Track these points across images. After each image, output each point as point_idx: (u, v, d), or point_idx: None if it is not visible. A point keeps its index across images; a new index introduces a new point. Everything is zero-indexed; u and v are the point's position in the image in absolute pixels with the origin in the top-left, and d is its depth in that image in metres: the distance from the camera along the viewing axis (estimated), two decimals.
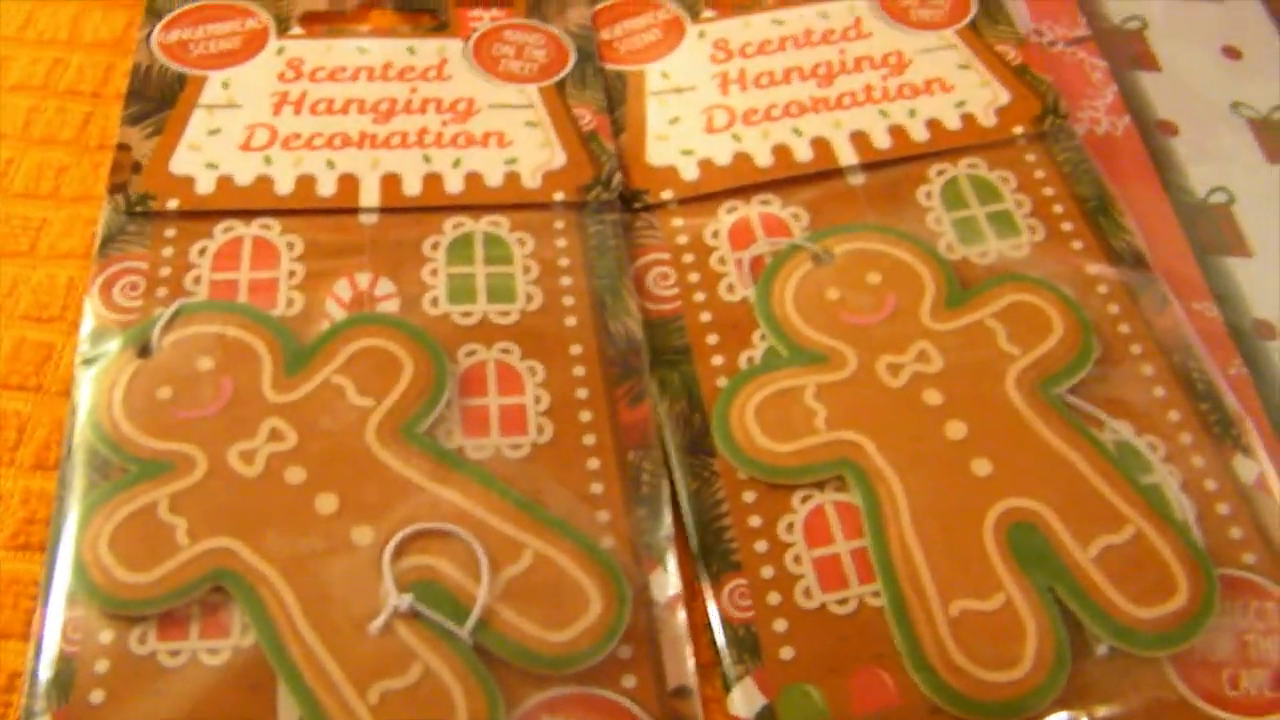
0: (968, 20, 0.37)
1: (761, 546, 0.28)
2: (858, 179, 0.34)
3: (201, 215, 0.32)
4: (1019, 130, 0.34)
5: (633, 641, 0.26)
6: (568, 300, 0.31)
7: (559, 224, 0.32)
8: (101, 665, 0.25)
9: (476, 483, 0.28)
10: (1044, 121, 0.35)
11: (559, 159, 0.33)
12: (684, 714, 0.26)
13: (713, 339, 0.31)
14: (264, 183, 0.32)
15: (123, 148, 0.33)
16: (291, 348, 0.29)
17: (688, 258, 0.32)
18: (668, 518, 0.28)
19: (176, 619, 0.26)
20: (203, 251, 0.31)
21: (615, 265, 0.32)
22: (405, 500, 0.27)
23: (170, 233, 0.31)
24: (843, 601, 0.27)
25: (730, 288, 0.32)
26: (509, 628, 0.26)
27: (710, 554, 0.28)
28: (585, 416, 0.29)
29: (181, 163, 0.33)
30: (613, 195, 0.33)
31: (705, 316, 0.32)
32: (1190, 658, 0.27)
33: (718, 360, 0.31)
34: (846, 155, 0.34)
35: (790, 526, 0.28)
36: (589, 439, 0.29)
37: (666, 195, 0.34)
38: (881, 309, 0.31)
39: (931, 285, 0.31)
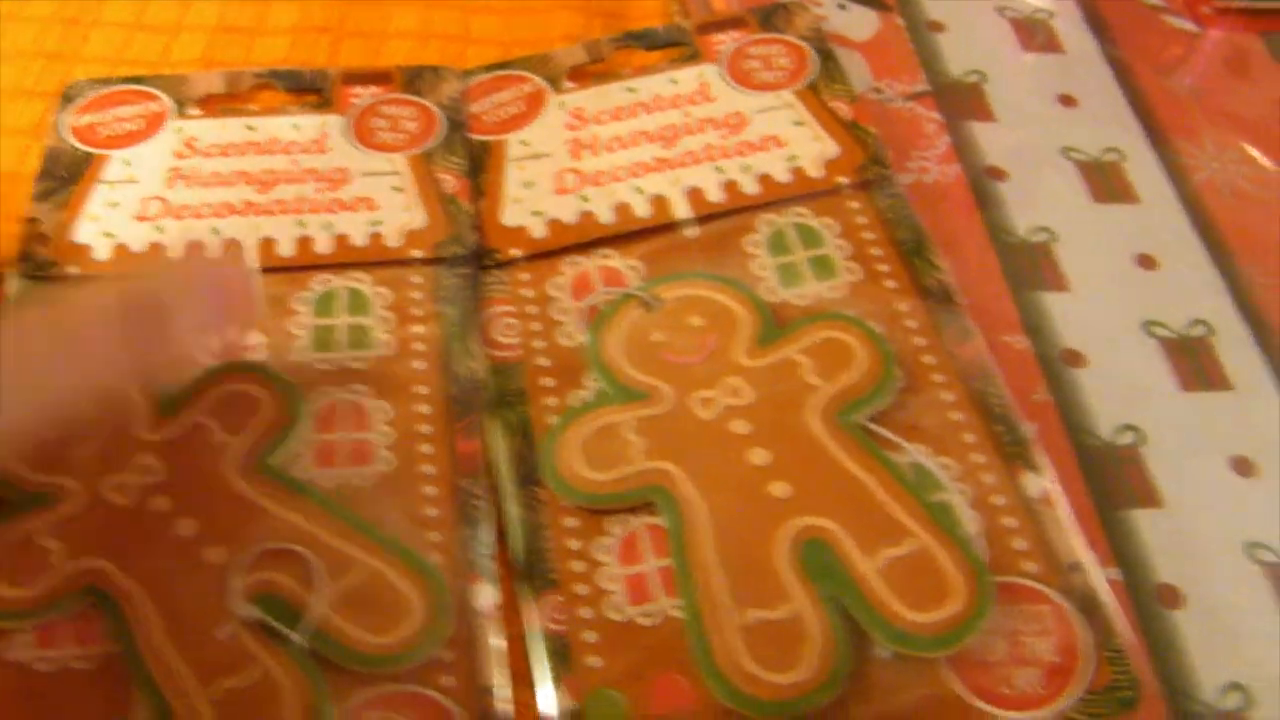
0: (806, 81, 0.40)
1: (578, 566, 0.31)
2: (693, 231, 0.37)
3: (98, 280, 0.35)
4: (843, 180, 0.37)
5: (452, 646, 0.29)
6: (418, 346, 0.34)
7: (415, 278, 0.36)
8: None
9: (319, 508, 0.31)
10: (867, 170, 0.37)
11: (419, 219, 0.37)
12: (494, 711, 0.29)
13: (548, 381, 0.34)
14: (155, 249, 0.36)
15: (32, 222, 0.37)
16: (167, 395, 0.33)
17: (531, 309, 0.35)
18: (491, 538, 0.31)
19: (52, 629, 0.29)
20: None
21: (463, 314, 0.35)
22: (254, 524, 0.31)
23: None
24: (648, 615, 0.30)
25: (568, 335, 0.35)
26: (340, 633, 0.29)
27: (532, 573, 0.31)
28: (426, 449, 0.32)
29: (82, 233, 0.36)
30: (465, 251, 0.36)
31: (543, 361, 0.34)
32: (967, 658, 0.29)
33: (552, 401, 0.34)
34: (682, 210, 0.37)
35: (606, 548, 0.31)
36: (428, 469, 0.32)
37: (515, 253, 0.37)
38: (701, 349, 0.34)
39: (748, 325, 0.34)
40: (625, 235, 0.37)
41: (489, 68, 0.42)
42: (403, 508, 0.31)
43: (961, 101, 0.41)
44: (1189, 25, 0.45)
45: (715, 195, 0.37)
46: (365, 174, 0.38)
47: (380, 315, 0.35)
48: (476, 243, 0.36)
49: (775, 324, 0.34)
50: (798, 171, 0.37)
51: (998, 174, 0.39)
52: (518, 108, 0.40)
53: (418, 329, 0.34)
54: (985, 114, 0.41)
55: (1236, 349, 0.36)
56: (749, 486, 0.31)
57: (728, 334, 0.34)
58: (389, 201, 0.37)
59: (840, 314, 0.34)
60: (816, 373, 0.33)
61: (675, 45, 0.42)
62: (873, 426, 0.32)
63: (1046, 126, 0.41)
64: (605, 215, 0.37)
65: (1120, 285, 0.37)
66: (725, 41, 0.41)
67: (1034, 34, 0.44)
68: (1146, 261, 0.38)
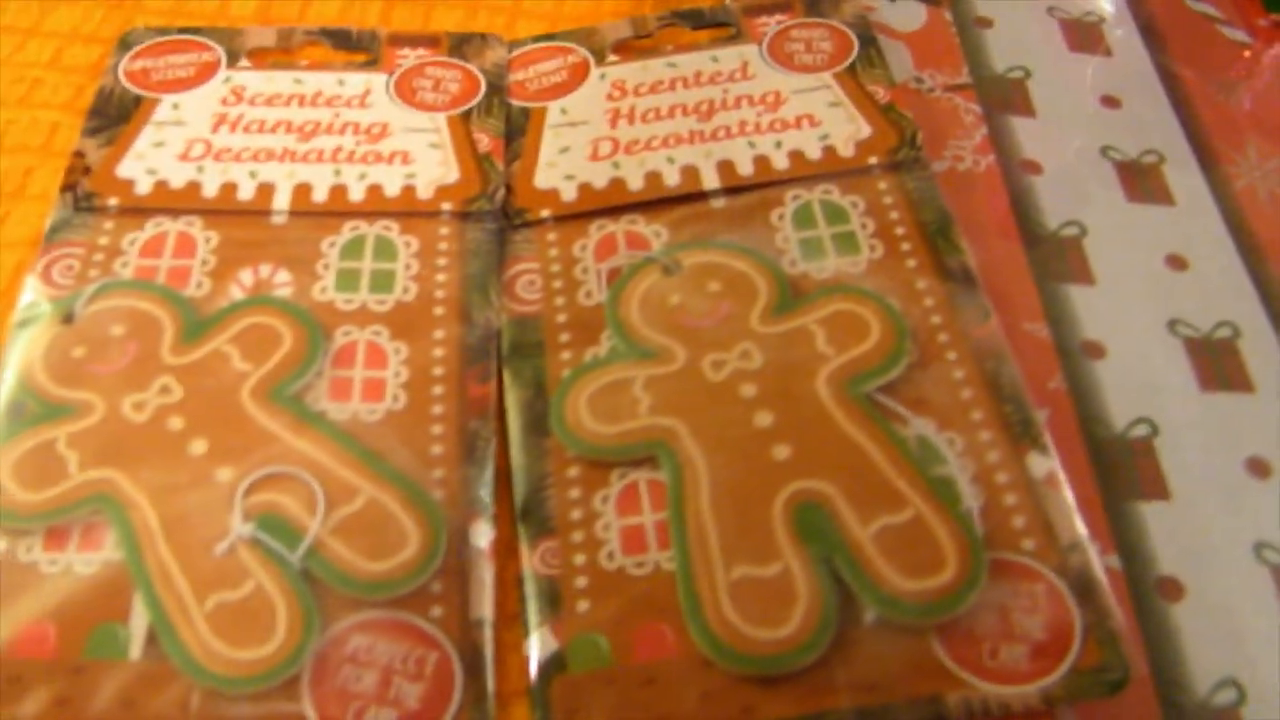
0: (846, 64, 0.40)
1: (576, 515, 0.31)
2: (719, 202, 0.37)
3: (137, 212, 0.37)
4: (874, 160, 0.37)
5: (444, 578, 0.30)
6: (440, 293, 0.35)
7: (444, 230, 0.36)
8: None
9: (329, 437, 0.32)
10: (899, 152, 0.37)
11: (452, 175, 0.37)
12: (480, 644, 0.30)
13: (565, 337, 0.34)
14: (194, 187, 0.37)
15: (78, 154, 0.38)
16: (191, 320, 0.34)
17: (555, 268, 0.36)
18: (490, 477, 0.32)
19: (59, 534, 0.30)
20: (133, 242, 0.36)
21: (486, 265, 0.35)
22: (264, 448, 0.32)
23: (108, 226, 0.36)
24: (640, 565, 0.30)
25: (588, 294, 0.35)
26: (336, 557, 0.30)
27: (530, 518, 0.31)
28: (437, 390, 0.33)
29: (127, 168, 0.38)
30: (494, 207, 0.37)
31: (561, 318, 0.35)
32: (954, 629, 0.29)
33: (566, 355, 0.34)
34: (711, 180, 0.37)
35: (605, 499, 0.31)
36: (437, 409, 0.33)
37: (545, 214, 0.37)
38: (716, 314, 0.34)
39: (765, 294, 0.34)
40: (653, 202, 0.37)
41: (536, 39, 0.43)
42: (411, 444, 0.32)
43: (1003, 96, 0.41)
44: (1242, 37, 0.45)
45: (745, 169, 0.37)
46: (405, 130, 0.39)
47: (405, 262, 0.36)
48: (505, 200, 0.37)
49: (792, 294, 0.34)
50: (829, 150, 0.38)
51: (1033, 168, 0.39)
52: (560, 77, 0.41)
53: (440, 277, 0.35)
54: (1026, 109, 0.41)
55: (1262, 352, 0.36)
56: (751, 447, 0.31)
57: (744, 300, 0.34)
58: (424, 157, 0.38)
59: (857, 288, 0.34)
60: (829, 342, 0.33)
61: (721, 25, 0.42)
62: (880, 398, 0.32)
63: (1087, 125, 0.41)
64: (635, 182, 0.37)
65: (1148, 283, 0.37)
66: (770, 24, 0.42)
67: (1083, 35, 0.44)
68: (1177, 262, 0.38)
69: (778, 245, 0.36)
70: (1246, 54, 0.45)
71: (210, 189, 0.37)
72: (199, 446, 0.32)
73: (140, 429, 0.32)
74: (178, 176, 0.37)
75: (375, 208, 0.37)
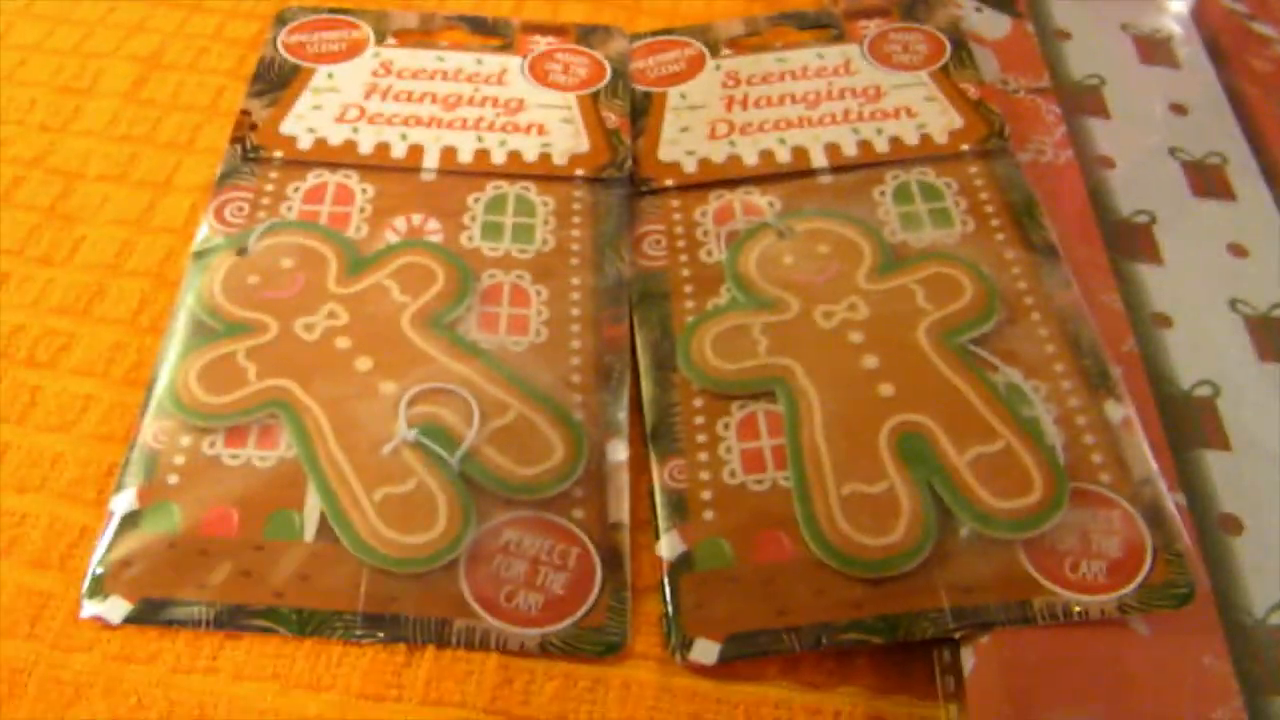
0: (940, 64, 0.45)
1: (701, 438, 0.35)
2: (827, 179, 0.41)
3: (299, 164, 0.41)
4: (966, 147, 0.42)
5: (585, 485, 0.34)
6: (575, 246, 0.39)
7: (577, 193, 0.41)
8: (179, 459, 0.34)
9: (481, 361, 0.36)
10: (989, 141, 0.42)
11: (584, 146, 0.42)
12: (617, 543, 0.34)
13: (688, 289, 0.39)
14: (350, 145, 0.42)
15: (245, 113, 0.43)
16: (354, 257, 0.38)
17: (678, 229, 0.40)
18: (626, 402, 0.36)
19: (239, 432, 0.34)
20: (296, 189, 0.40)
21: (617, 224, 0.40)
22: (424, 367, 0.36)
23: (274, 175, 0.41)
24: (759, 482, 0.34)
25: (709, 253, 0.40)
26: (489, 462, 0.34)
27: (659, 439, 0.35)
28: (575, 328, 0.37)
29: (289, 126, 0.42)
30: (623, 175, 0.41)
31: (685, 272, 0.39)
32: (1040, 544, 0.33)
33: (689, 304, 0.38)
34: (819, 159, 0.41)
35: (727, 426, 0.35)
36: (575, 344, 0.37)
37: (669, 183, 0.41)
38: (826, 272, 0.38)
39: (869, 257, 0.38)
40: (767, 176, 0.41)
41: (655, 33, 0.47)
42: (553, 371, 0.36)
43: (1080, 99, 0.45)
44: None
45: (850, 150, 0.42)
46: (539, 105, 0.43)
47: (543, 218, 0.40)
48: (632, 169, 0.41)
49: (894, 258, 0.38)
50: (925, 137, 0.42)
51: (1107, 163, 0.43)
52: (679, 66, 0.45)
53: (575, 233, 0.39)
54: (1101, 112, 0.45)
55: None
56: (859, 385, 0.35)
57: (851, 262, 0.38)
58: (558, 129, 0.42)
59: (951, 254, 0.38)
60: (928, 299, 0.37)
61: (824, 27, 0.47)
62: (974, 348, 0.36)
63: (1157, 128, 0.45)
64: (750, 159, 0.42)
65: (1212, 266, 0.41)
66: (869, 27, 0.46)
67: (1153, 49, 0.48)
68: (1237, 250, 0.41)
69: (880, 217, 0.40)
70: None
71: (365, 147, 0.42)
72: (364, 363, 0.36)
73: (312, 346, 0.36)
74: (335, 135, 0.42)
75: (516, 170, 0.41)
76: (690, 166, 0.42)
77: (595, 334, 0.37)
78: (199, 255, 0.38)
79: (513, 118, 0.43)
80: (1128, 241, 0.41)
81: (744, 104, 0.44)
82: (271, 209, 0.40)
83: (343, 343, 0.36)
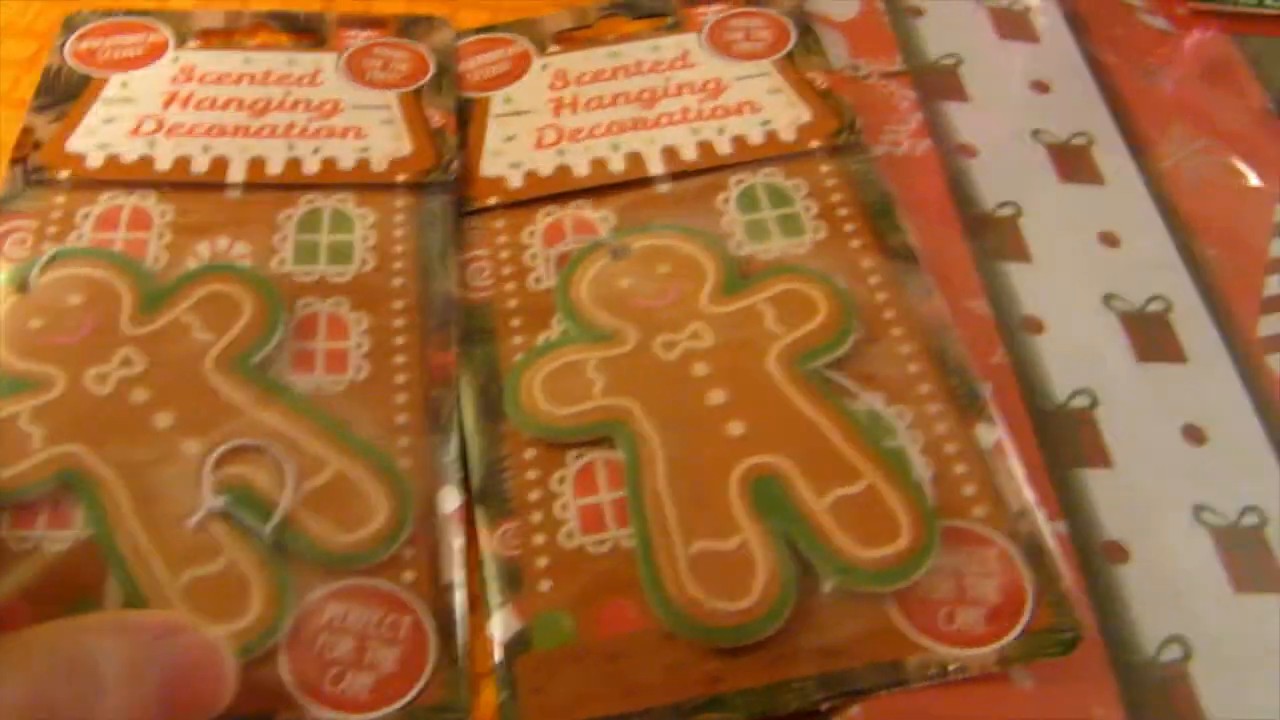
0: (784, 52, 0.41)
1: (534, 496, 0.31)
2: (665, 187, 0.37)
3: (90, 185, 0.37)
4: (815, 144, 0.38)
5: (415, 544, 0.30)
6: (398, 264, 0.35)
7: (399, 202, 0.37)
8: None
9: (294, 409, 0.32)
10: (839, 136, 0.38)
11: (406, 149, 0.38)
12: (450, 605, 0.30)
13: (516, 322, 0.35)
14: (146, 161, 0.37)
15: (27, 131, 0.38)
16: (149, 290, 0.34)
17: (504, 254, 0.36)
18: (456, 445, 0.32)
19: (27, 511, 0.30)
20: (86, 215, 0.36)
21: (443, 237, 0.36)
22: (231, 420, 0.32)
23: (60, 199, 0.36)
24: (600, 543, 0.31)
25: (538, 280, 0.36)
26: (306, 529, 0.30)
27: (488, 500, 0.31)
28: (399, 359, 0.34)
29: (77, 143, 0.38)
30: (448, 179, 0.37)
31: (512, 303, 0.35)
32: (911, 595, 0.30)
33: (518, 340, 0.34)
34: (656, 166, 0.38)
35: (562, 480, 0.32)
36: (400, 378, 0.33)
37: (492, 201, 0.37)
38: (666, 295, 0.34)
39: (713, 275, 0.35)
40: (600, 188, 0.37)
41: (478, 30, 0.43)
42: (375, 413, 0.32)
43: (937, 82, 0.42)
44: (1164, 25, 0.46)
45: (689, 154, 0.38)
46: (356, 106, 0.39)
47: (362, 234, 0.36)
48: (459, 170, 0.37)
49: (740, 275, 0.35)
50: (771, 135, 0.38)
51: (968, 151, 0.40)
52: (503, 67, 0.41)
53: (398, 248, 0.36)
54: (959, 95, 0.42)
55: (1192, 324, 0.37)
56: (705, 424, 0.32)
57: (693, 282, 0.35)
58: (378, 132, 0.38)
59: (803, 268, 0.35)
60: (778, 321, 0.34)
61: (660, 15, 0.43)
62: (830, 374, 0.33)
63: (1018, 109, 0.42)
64: (581, 169, 0.38)
65: (1083, 259, 0.38)
66: (708, 13, 0.42)
67: (1011, 23, 0.45)
68: (1109, 239, 0.39)
69: (723, 228, 0.36)
70: (1168, 40, 0.46)
71: (163, 163, 0.37)
72: (165, 419, 0.32)
73: (105, 401, 0.32)
74: (130, 151, 0.37)
75: (330, 179, 0.37)
76: (516, 181, 0.38)
77: (422, 365, 0.34)
78: None
79: (327, 121, 0.38)
80: (994, 238, 0.38)
81: (574, 107, 0.40)
82: (58, 239, 0.35)
83: (139, 395, 0.32)
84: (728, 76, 0.40)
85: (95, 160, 0.37)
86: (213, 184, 0.37)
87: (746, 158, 0.38)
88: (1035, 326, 0.36)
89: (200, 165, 0.37)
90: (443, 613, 0.30)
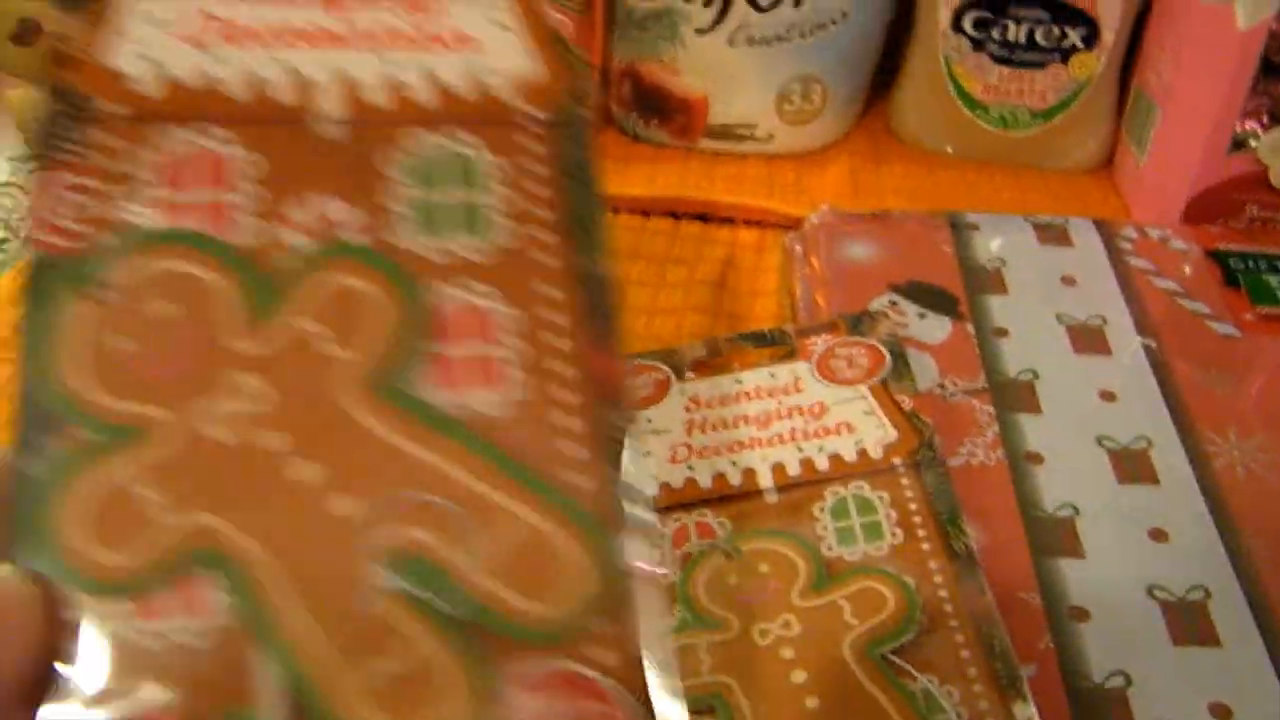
0: (879, 378, 0.50)
1: None
2: (773, 498, 0.47)
3: (148, 122, 0.27)
4: (897, 460, 0.47)
5: (605, 611, 0.24)
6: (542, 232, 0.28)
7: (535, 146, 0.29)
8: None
9: (459, 444, 0.25)
10: (919, 453, 0.47)
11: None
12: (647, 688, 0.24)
13: None
14: (212, 86, 0.28)
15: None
16: (254, 286, 0.26)
17: None
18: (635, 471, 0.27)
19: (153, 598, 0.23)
20: (152, 172, 0.27)
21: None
22: (389, 466, 0.25)
23: (114, 144, 0.27)
24: None
25: (664, 575, 0.45)
26: (490, 598, 0.24)
27: None
28: (558, 367, 0.26)
29: (122, 60, 0.28)
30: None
31: None
32: None
33: None
34: (766, 480, 0.47)
35: None
36: (564, 394, 0.26)
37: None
38: (765, 590, 0.43)
39: (804, 575, 0.43)
40: (719, 498, 0.47)
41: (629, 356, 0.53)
42: (540, 439, 0.25)
43: (1013, 395, 0.50)
44: (1232, 330, 0.53)
45: (793, 470, 0.47)
46: None
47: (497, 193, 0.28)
48: None
49: (827, 574, 0.43)
50: (862, 452, 0.47)
51: (1035, 459, 0.48)
52: (646, 390, 0.51)
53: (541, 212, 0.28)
54: (1033, 407, 0.50)
55: (1230, 610, 0.43)
56: (785, 699, 0.40)
57: (787, 580, 0.43)
58: None
59: (879, 569, 0.43)
60: (854, 614, 0.42)
61: (779, 345, 0.53)
62: (893, 658, 0.41)
63: (1085, 418, 0.49)
64: (705, 481, 0.47)
65: (1132, 555, 0.45)
66: (818, 343, 0.52)
67: (1085, 338, 0.53)
68: (1158, 535, 0.45)
69: (817, 533, 0.45)
70: (1235, 345, 0.53)
71: (234, 88, 0.28)
72: (310, 471, 0.24)
73: (230, 452, 0.24)
74: (190, 71, 0.28)
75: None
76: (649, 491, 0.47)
77: (583, 369, 0.26)
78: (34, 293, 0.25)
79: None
80: (1052, 538, 0.45)
81: (703, 428, 0.49)
82: (120, 207, 0.26)
83: (271, 440, 0.24)
84: (829, 400, 0.49)
85: (149, 84, 0.27)
86: (291, 115, 0.27)
87: (840, 473, 0.47)
88: (1081, 615, 0.43)
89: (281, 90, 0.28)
90: (645, 701, 0.23)
